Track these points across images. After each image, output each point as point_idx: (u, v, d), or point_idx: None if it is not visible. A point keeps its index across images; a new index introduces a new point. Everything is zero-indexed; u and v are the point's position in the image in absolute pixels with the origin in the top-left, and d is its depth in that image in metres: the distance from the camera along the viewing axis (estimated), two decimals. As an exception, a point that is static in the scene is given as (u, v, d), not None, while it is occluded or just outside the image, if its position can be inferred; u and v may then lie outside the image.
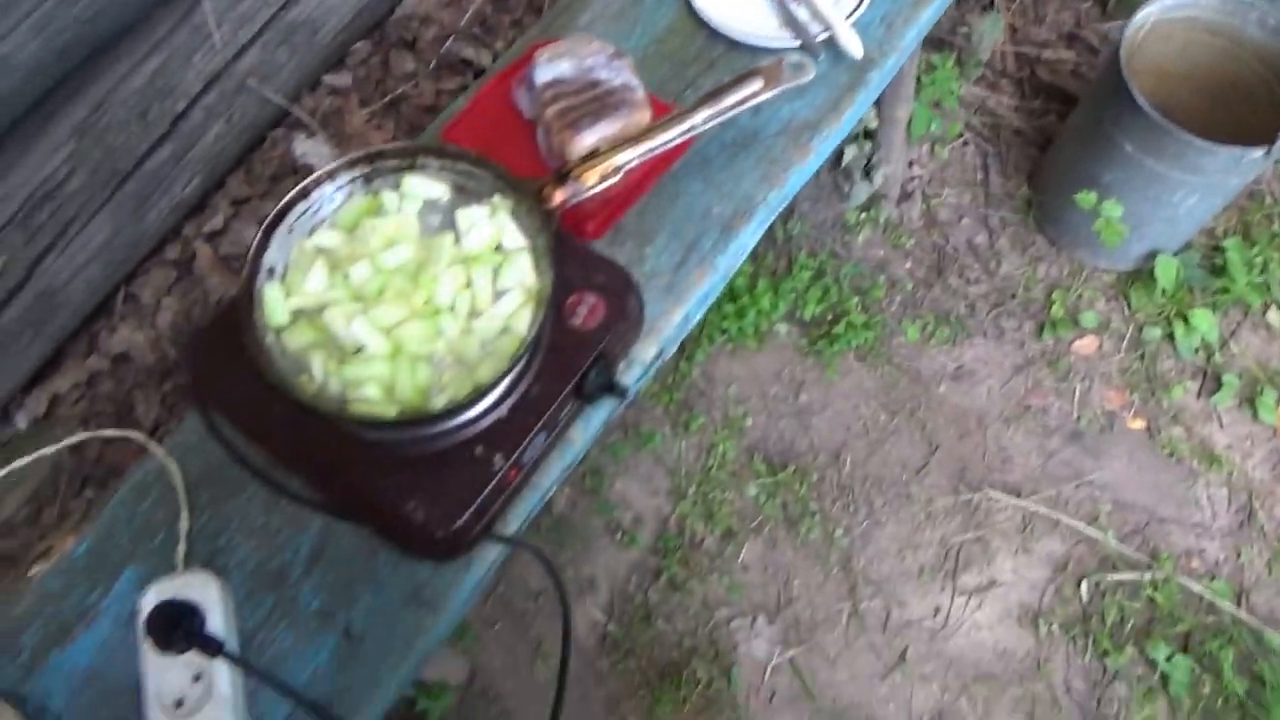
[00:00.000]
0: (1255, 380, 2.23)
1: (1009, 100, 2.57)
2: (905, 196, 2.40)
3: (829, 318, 2.31)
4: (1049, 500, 2.12)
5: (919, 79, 2.03)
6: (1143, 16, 2.06)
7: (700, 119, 1.04)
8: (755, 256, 2.34)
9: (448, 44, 1.77)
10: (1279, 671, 1.91)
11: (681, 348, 2.24)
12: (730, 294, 2.25)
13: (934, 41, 2.46)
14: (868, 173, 2.04)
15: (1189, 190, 2.03)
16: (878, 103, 1.92)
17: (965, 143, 2.53)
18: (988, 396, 2.25)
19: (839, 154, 2.02)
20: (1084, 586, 2.03)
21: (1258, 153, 1.87)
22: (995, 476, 2.16)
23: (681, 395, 2.25)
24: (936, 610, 2.03)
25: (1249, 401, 2.21)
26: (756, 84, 1.04)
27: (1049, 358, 2.29)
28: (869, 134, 1.99)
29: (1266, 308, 2.31)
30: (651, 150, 1.03)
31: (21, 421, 1.55)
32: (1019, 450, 2.19)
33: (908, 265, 2.41)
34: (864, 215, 2.26)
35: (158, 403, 1.59)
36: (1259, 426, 2.20)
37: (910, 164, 2.37)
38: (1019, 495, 2.13)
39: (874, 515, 2.12)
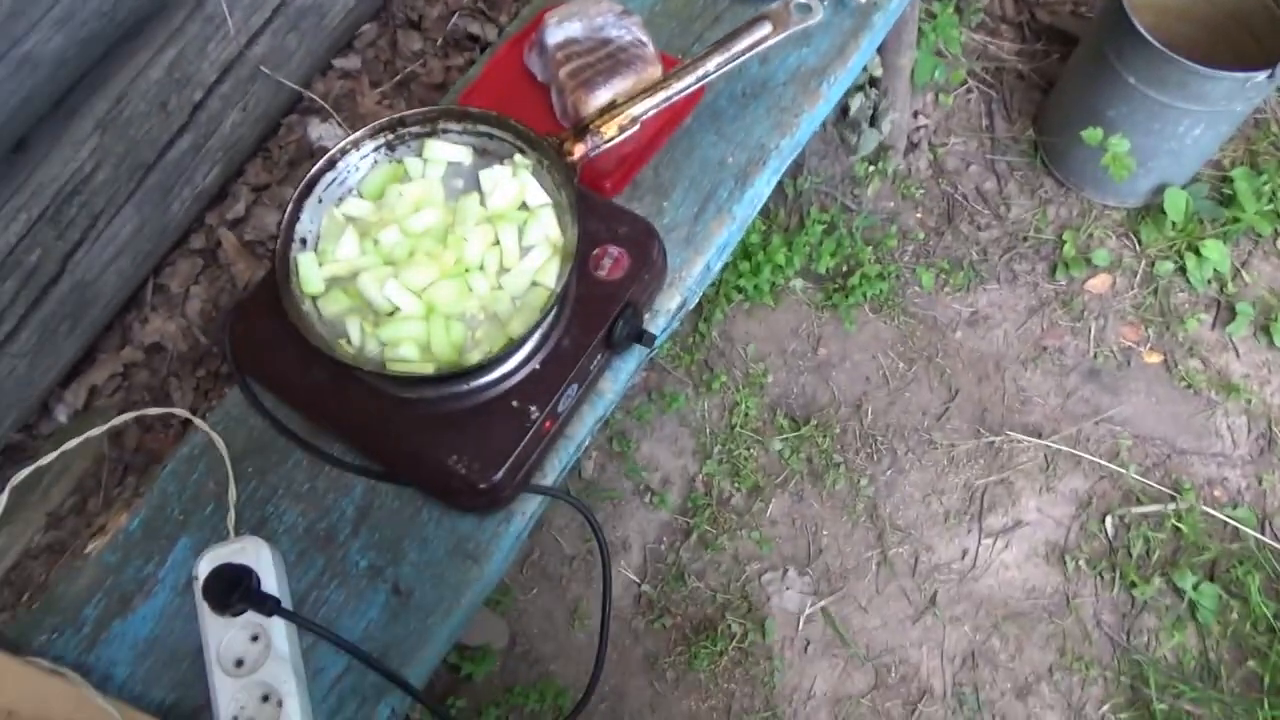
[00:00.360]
0: (1269, 308, 2.24)
1: (1010, 44, 2.57)
2: (912, 147, 2.41)
3: (843, 270, 2.33)
4: (1070, 439, 2.14)
5: (920, 28, 2.03)
6: (1141, -49, 2.06)
7: (713, 65, 1.05)
8: (767, 214, 2.35)
9: (453, 20, 1.79)
10: (1306, 592, 1.94)
11: (699, 309, 2.27)
12: (744, 252, 2.26)
13: (933, -11, 2.47)
14: (874, 121, 2.05)
15: (1194, 120, 2.04)
16: (881, 51, 1.93)
17: (969, 90, 2.53)
18: (1004, 339, 2.27)
19: (845, 107, 2.03)
20: (1109, 521, 2.05)
21: (1261, 76, 1.87)
22: (1015, 418, 2.18)
23: (702, 356, 2.27)
24: (964, 553, 2.05)
25: (1264, 330, 2.22)
26: (765, 29, 1.05)
27: (1063, 298, 2.30)
28: (873, 83, 1.99)
29: (1277, 235, 2.32)
30: (668, 99, 1.05)
31: (62, 415, 1.59)
32: (1038, 391, 2.20)
33: (918, 215, 2.42)
34: (872, 168, 2.27)
35: (192, 389, 1.62)
36: (1275, 353, 2.21)
37: (915, 114, 2.38)
38: (1040, 435, 2.15)
39: (898, 463, 2.14)
